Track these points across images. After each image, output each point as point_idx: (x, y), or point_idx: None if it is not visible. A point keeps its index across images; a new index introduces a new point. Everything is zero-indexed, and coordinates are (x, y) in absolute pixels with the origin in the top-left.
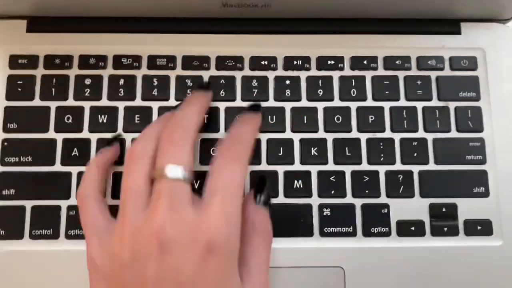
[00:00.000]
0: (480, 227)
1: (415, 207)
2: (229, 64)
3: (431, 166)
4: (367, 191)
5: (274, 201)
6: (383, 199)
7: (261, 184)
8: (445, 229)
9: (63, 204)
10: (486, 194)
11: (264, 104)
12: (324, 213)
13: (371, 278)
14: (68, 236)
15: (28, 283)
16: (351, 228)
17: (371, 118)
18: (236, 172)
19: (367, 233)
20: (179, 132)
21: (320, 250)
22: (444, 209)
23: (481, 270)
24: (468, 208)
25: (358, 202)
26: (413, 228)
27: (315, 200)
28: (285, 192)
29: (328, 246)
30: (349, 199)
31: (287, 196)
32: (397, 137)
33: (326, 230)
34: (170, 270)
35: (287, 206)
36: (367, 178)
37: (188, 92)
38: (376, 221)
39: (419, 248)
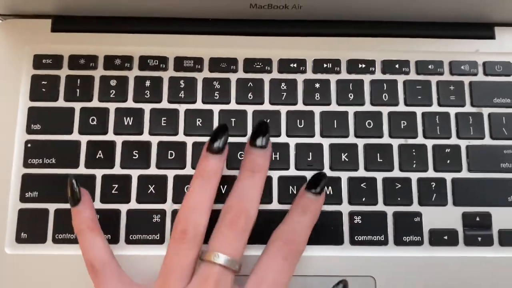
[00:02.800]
0: None
1: (448, 216)
2: (257, 66)
3: (464, 173)
4: (399, 199)
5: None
6: (415, 207)
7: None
8: (479, 238)
9: (123, 208)
10: None
11: (292, 107)
12: (355, 221)
13: (402, 287)
14: (128, 241)
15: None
16: (383, 236)
17: (403, 123)
18: (286, 272)
19: (399, 242)
20: (242, 222)
21: (350, 259)
22: (477, 218)
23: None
24: (502, 217)
25: (390, 210)
26: (446, 237)
27: (345, 207)
28: None
29: (359, 255)
30: (380, 206)
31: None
32: (429, 143)
33: (357, 238)
34: None
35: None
36: (399, 186)
37: (215, 94)
38: (408, 230)
39: (452, 258)
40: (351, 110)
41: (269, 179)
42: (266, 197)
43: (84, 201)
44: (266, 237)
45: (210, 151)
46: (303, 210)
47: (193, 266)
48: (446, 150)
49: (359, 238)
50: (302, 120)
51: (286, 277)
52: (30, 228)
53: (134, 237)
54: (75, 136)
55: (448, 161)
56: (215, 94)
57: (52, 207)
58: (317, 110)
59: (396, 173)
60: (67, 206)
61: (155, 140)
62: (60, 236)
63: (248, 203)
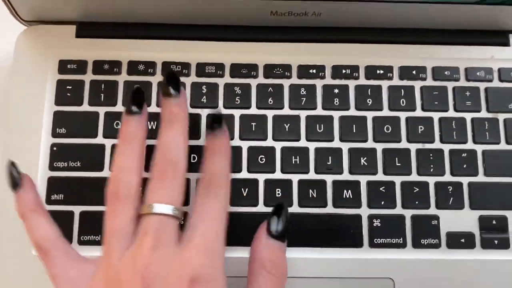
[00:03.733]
0: None
1: (465, 219)
2: (277, 72)
3: (481, 178)
4: (416, 202)
5: (323, 211)
6: (432, 210)
7: (278, 211)
8: (496, 241)
9: None
10: None
11: (311, 112)
12: (374, 224)
13: None
14: None
15: None
16: (401, 239)
17: (421, 128)
18: (216, 207)
19: (417, 245)
20: (170, 170)
21: (369, 261)
22: (494, 222)
23: None
24: None
25: (408, 213)
26: (463, 240)
27: (364, 211)
28: (334, 202)
29: (378, 257)
30: (398, 210)
31: (336, 206)
32: (446, 148)
33: (376, 241)
34: None
35: (336, 216)
36: (417, 189)
37: (236, 99)
38: (426, 233)
39: (469, 260)
40: (369, 115)
41: (289, 183)
42: (286, 199)
43: (25, 184)
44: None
45: (129, 113)
46: (213, 151)
47: (134, 225)
48: (463, 155)
49: (378, 241)
50: (322, 125)
51: (218, 211)
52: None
53: None
54: (99, 139)
55: (465, 166)
56: (236, 99)
57: (77, 209)
58: (336, 115)
59: (413, 177)
60: (92, 208)
61: None
62: (86, 238)
63: (172, 153)
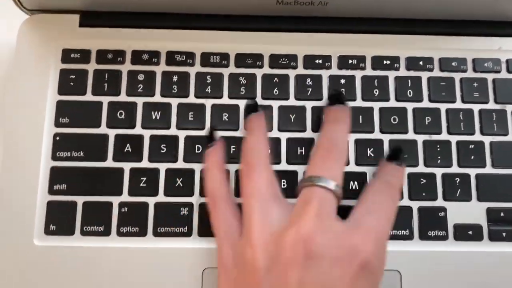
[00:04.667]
0: None
1: (472, 211)
2: (283, 62)
3: (488, 169)
4: (424, 194)
5: None
6: (440, 202)
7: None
8: (504, 234)
9: (115, 200)
10: None
11: (316, 103)
12: None
13: (428, 282)
14: (119, 233)
15: (78, 280)
16: (408, 231)
17: (428, 119)
18: (393, 201)
19: (424, 237)
20: (335, 153)
21: None
22: (502, 214)
23: None
24: None
25: (415, 205)
26: (470, 232)
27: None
28: None
29: None
30: (405, 201)
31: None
32: (453, 139)
33: None
34: (316, 281)
35: (339, 208)
36: (424, 181)
37: (241, 89)
38: (433, 225)
39: (476, 252)
40: (376, 106)
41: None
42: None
43: (217, 144)
44: None
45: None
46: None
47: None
48: (470, 146)
49: None
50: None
51: (394, 207)
52: (58, 220)
53: (162, 229)
54: (103, 129)
55: (472, 157)
56: (241, 90)
57: (80, 199)
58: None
59: (421, 168)
60: (95, 198)
61: (182, 134)
62: (88, 229)
63: (338, 140)
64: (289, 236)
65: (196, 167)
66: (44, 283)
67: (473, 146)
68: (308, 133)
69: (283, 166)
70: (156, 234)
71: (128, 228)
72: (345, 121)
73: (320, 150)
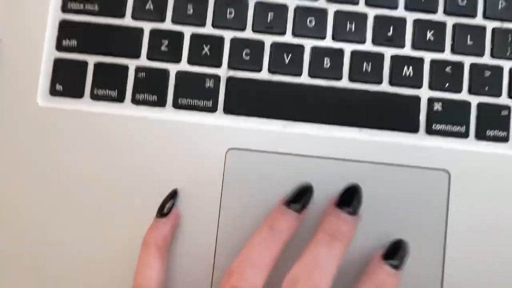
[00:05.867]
0: None
1: None
2: None
3: None
4: (486, 88)
5: (377, 88)
6: (504, 99)
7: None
8: None
9: (131, 64)
10: None
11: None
12: (434, 108)
13: (479, 186)
14: (135, 101)
15: (84, 147)
16: (464, 127)
17: (501, 4)
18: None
19: (481, 136)
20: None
21: (424, 149)
22: None
23: None
24: None
25: (475, 100)
26: None
27: (425, 92)
28: (391, 78)
29: (434, 145)
30: (464, 95)
31: (393, 84)
32: None
33: (434, 127)
34: None
35: (392, 95)
36: (489, 73)
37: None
38: (493, 124)
39: None
40: None
41: (339, 52)
42: (335, 73)
43: (170, 219)
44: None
45: (288, 206)
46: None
47: None
48: None
49: (437, 127)
50: None
51: None
52: (66, 81)
53: (183, 101)
54: None
55: None
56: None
57: (91, 59)
58: None
59: (486, 59)
60: (108, 59)
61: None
62: (100, 92)
63: (320, 278)
64: None
65: (226, 34)
66: (46, 148)
67: None
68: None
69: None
70: (176, 105)
71: (145, 95)
72: (343, 243)
73: (299, 273)
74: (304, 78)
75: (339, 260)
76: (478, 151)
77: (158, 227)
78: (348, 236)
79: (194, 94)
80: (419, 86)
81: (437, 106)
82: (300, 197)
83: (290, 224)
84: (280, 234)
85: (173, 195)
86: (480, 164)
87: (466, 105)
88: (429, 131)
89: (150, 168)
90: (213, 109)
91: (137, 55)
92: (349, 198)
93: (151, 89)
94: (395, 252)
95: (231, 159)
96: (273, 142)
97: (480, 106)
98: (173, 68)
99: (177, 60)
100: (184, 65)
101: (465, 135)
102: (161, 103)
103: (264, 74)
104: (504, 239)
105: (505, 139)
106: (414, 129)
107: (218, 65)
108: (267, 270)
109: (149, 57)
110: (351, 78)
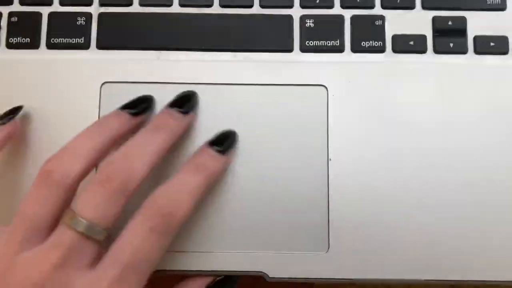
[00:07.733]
0: (493, 44)
1: (415, 20)
2: None
3: None
4: (358, 1)
5: (248, 11)
6: (377, 10)
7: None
8: (451, 45)
9: (5, 10)
10: (502, 7)
11: None
12: (307, 25)
13: (358, 99)
14: (9, 45)
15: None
16: (338, 42)
17: None
18: (153, 246)
19: (356, 49)
20: (118, 181)
21: (299, 66)
22: (450, 23)
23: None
24: (479, 22)
25: (348, 13)
26: (412, 43)
27: (296, 11)
28: (261, 1)
29: (309, 60)
30: (337, 9)
31: (263, 6)
32: None
33: (308, 43)
34: None
35: (264, 16)
36: None
37: None
38: (368, 35)
39: (418, 63)
40: None
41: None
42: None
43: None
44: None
45: (127, 107)
46: (197, 168)
47: (55, 220)
48: None
49: (311, 43)
50: None
51: (153, 253)
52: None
53: (56, 40)
54: None
55: None
56: None
57: (45, 10)
58: None
59: None
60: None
61: None
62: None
63: (134, 161)
64: (19, 272)
65: None
66: None
67: None
68: None
69: None
70: (50, 46)
71: (19, 39)
72: (168, 134)
73: (100, 176)
74: (176, 8)
75: (161, 150)
76: (354, 62)
77: None
78: (174, 130)
79: (67, 33)
80: (290, 6)
81: (309, 23)
82: (136, 104)
83: (120, 123)
84: (107, 128)
85: (15, 110)
86: (357, 75)
87: (340, 19)
88: (304, 49)
89: (29, 108)
90: (85, 46)
91: (9, 1)
92: (180, 101)
93: (25, 32)
94: (222, 140)
95: (106, 93)
96: (148, 72)
97: (353, 19)
98: (45, 11)
99: (49, 2)
100: (56, 7)
101: (340, 49)
102: (34, 45)
103: (135, 7)
104: (384, 147)
105: (381, 50)
106: (289, 48)
107: (89, 3)
108: (88, 159)
109: (22, 2)
110: (222, 4)
